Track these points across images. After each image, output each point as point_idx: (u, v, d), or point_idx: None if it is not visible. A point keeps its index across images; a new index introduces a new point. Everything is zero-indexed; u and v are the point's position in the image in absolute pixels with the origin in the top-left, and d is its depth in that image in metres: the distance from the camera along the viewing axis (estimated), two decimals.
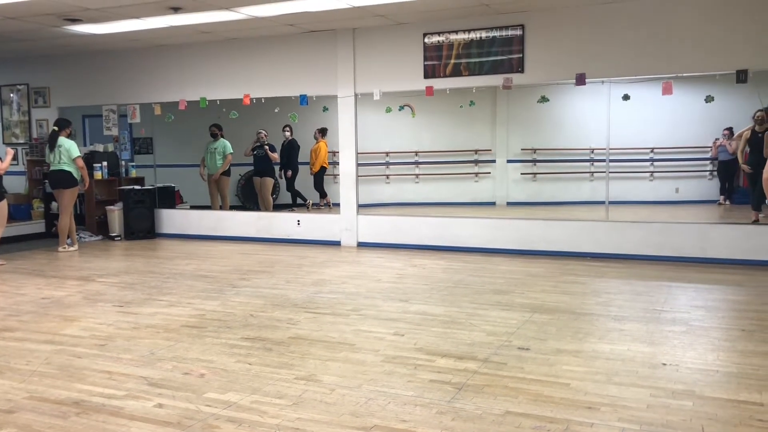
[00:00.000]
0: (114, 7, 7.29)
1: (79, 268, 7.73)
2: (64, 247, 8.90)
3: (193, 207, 11.06)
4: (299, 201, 11.79)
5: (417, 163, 13.06)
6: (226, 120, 10.34)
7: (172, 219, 10.35)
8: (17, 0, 6.95)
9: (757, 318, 4.95)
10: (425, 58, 8.37)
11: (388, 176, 13.01)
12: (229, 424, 3.15)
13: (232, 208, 11.27)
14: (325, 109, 10.37)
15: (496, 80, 8.08)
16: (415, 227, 8.77)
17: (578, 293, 5.92)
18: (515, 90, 8.59)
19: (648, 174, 12.52)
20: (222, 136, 10.80)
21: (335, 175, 11.46)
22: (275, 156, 11.18)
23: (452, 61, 8.22)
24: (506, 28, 7.93)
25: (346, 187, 9.09)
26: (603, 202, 8.37)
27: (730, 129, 11.26)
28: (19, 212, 10.59)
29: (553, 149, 12.67)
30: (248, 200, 12.40)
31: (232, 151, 10.76)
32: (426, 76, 8.39)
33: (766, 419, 3.11)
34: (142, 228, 10.10)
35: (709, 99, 8.10)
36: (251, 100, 9.41)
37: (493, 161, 12.86)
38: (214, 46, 9.58)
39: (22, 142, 11.19)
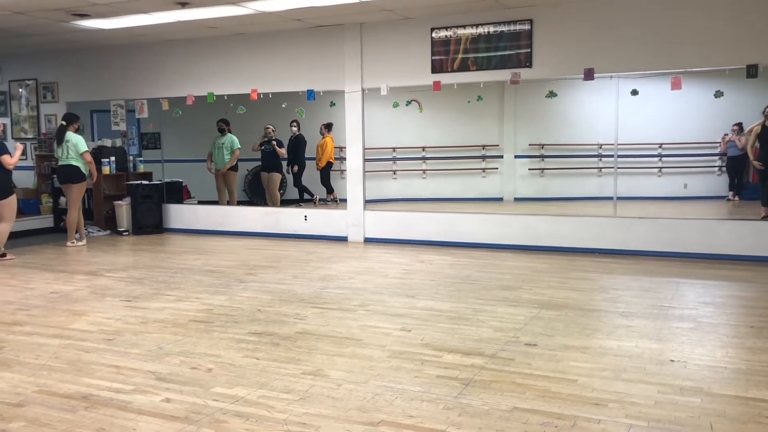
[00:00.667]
0: (122, 2, 7.30)
1: (88, 262, 7.76)
2: (73, 242, 8.93)
3: (200, 202, 11.08)
4: (306, 196, 11.80)
5: (424, 158, 13.03)
6: (234, 115, 10.33)
7: (179, 214, 10.38)
8: None
9: (766, 315, 4.92)
10: (433, 53, 8.35)
11: (395, 172, 13.00)
12: (237, 418, 3.16)
13: (240, 203, 11.28)
14: (333, 104, 10.36)
15: (503, 75, 8.05)
16: (422, 223, 8.76)
17: (586, 289, 5.90)
18: (523, 85, 8.55)
19: (656, 170, 12.46)
20: (229, 131, 10.81)
21: (342, 171, 11.46)
22: (282, 151, 11.19)
23: (460, 55, 8.20)
24: (514, 22, 7.90)
25: (353, 182, 9.08)
26: (611, 198, 8.33)
27: (739, 124, 11.20)
28: (27, 207, 10.65)
29: (561, 145, 12.62)
30: (255, 195, 12.41)
31: (239, 146, 10.78)
32: (433, 71, 8.36)
33: None
34: (149, 223, 10.13)
35: (718, 94, 8.05)
36: (258, 95, 9.41)
37: (501, 157, 12.83)
38: (222, 41, 9.58)
39: (30, 137, 11.23)
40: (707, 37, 7.12)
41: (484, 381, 3.59)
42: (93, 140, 11.08)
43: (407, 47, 8.48)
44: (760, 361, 3.86)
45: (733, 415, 3.12)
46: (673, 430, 2.95)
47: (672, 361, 3.89)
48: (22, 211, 10.07)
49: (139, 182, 10.16)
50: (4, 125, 11.31)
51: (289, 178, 11.80)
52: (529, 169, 12.80)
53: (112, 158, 10.25)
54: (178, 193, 10.78)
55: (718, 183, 12.13)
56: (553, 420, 3.08)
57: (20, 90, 11.29)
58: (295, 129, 11.35)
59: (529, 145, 12.73)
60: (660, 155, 12.41)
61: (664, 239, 7.48)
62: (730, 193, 11.68)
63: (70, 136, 8.75)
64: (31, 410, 3.32)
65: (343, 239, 9.15)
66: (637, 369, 3.75)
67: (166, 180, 10.63)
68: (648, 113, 11.34)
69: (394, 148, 12.87)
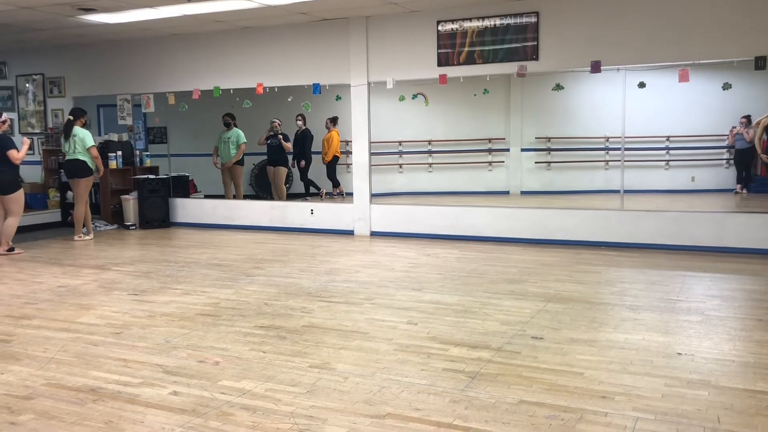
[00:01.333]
0: None
1: (95, 256, 7.79)
2: (80, 236, 8.97)
3: (207, 196, 11.11)
4: (312, 190, 11.80)
5: (430, 152, 13.01)
6: (240, 109, 10.35)
7: (186, 208, 10.40)
8: None
9: None
10: (439, 46, 8.32)
11: (401, 165, 12.98)
12: (244, 411, 3.17)
13: (246, 197, 11.29)
14: (338, 98, 10.34)
15: (510, 68, 8.02)
16: (429, 216, 8.75)
17: (593, 282, 5.89)
18: (529, 78, 8.52)
19: (664, 162, 12.40)
20: (235, 126, 10.82)
21: (348, 165, 11.45)
22: (288, 146, 11.19)
23: (466, 48, 8.17)
24: (520, 15, 7.86)
25: (359, 176, 9.08)
26: (618, 191, 8.30)
27: (747, 117, 11.13)
28: (35, 201, 10.69)
29: (567, 138, 12.58)
30: (262, 189, 12.42)
31: (245, 141, 10.78)
32: (439, 64, 8.34)
33: None
34: (156, 217, 10.16)
35: (726, 86, 8.00)
36: (264, 89, 9.41)
37: (507, 150, 12.79)
38: (228, 35, 9.58)
39: (37, 131, 11.28)
40: (715, 29, 7.07)
41: (490, 374, 3.59)
42: (100, 135, 11.10)
43: (413, 40, 8.46)
44: (767, 354, 3.84)
45: (741, 408, 3.11)
46: (681, 423, 2.95)
47: (679, 354, 3.88)
48: (30, 206, 10.11)
49: (145, 176, 10.19)
50: (11, 120, 11.35)
51: (295, 172, 11.80)
52: (536, 163, 12.77)
53: (119, 153, 10.27)
54: (184, 187, 10.80)
55: (726, 176, 12.07)
56: (559, 413, 3.07)
57: (27, 85, 11.32)
58: (300, 123, 11.35)
59: (536, 138, 12.69)
60: (667, 148, 12.35)
61: (672, 232, 7.45)
62: (738, 186, 11.62)
63: (78, 130, 8.77)
64: (40, 403, 3.34)
65: (349, 233, 9.15)
66: (644, 362, 3.74)
67: (173, 174, 10.65)
68: (655, 106, 11.28)
69: (400, 142, 12.85)
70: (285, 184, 11.39)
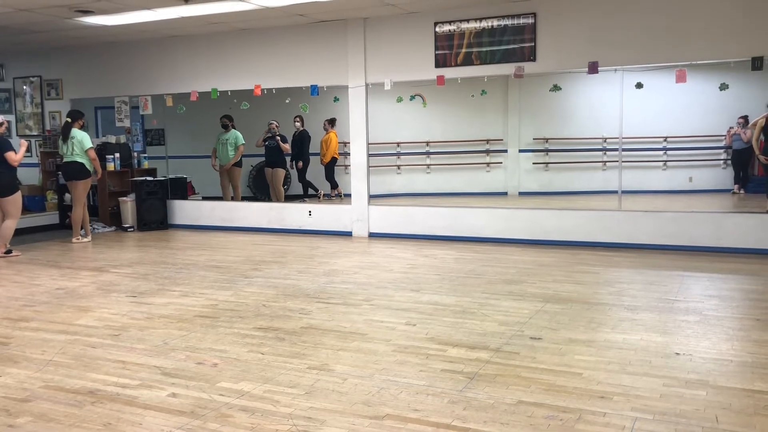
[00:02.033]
0: None
1: (93, 258, 7.78)
2: (78, 238, 8.96)
3: (205, 198, 11.10)
4: (311, 192, 11.80)
5: (428, 153, 13.02)
6: (238, 111, 10.35)
7: (184, 210, 10.40)
8: None
9: None
10: (436, 48, 8.33)
11: (399, 166, 12.99)
12: (242, 413, 3.17)
13: (244, 198, 11.28)
14: (336, 99, 10.34)
15: (507, 69, 8.03)
16: (427, 217, 8.76)
17: (591, 283, 5.90)
18: (527, 79, 8.53)
19: (661, 163, 12.42)
20: (233, 127, 10.82)
21: (346, 166, 11.45)
22: (287, 147, 11.18)
23: (463, 50, 8.18)
24: (518, 16, 7.87)
25: (357, 177, 9.08)
26: (616, 192, 8.31)
27: (745, 117, 11.15)
28: (33, 204, 10.68)
29: (565, 138, 12.59)
30: (260, 191, 12.42)
31: (243, 142, 10.78)
32: (437, 66, 8.35)
33: None
34: (154, 219, 10.15)
35: (723, 87, 8.01)
36: (262, 90, 9.41)
37: (505, 151, 12.80)
38: (225, 37, 9.58)
39: (35, 134, 11.26)
40: (712, 30, 7.09)
41: (489, 375, 3.60)
42: (97, 136, 11.11)
43: (411, 42, 8.46)
44: (765, 354, 3.85)
45: (739, 407, 3.12)
46: (679, 422, 2.95)
47: (677, 354, 3.88)
48: (28, 208, 10.11)
49: (143, 178, 10.19)
50: (9, 122, 11.34)
51: (293, 173, 11.79)
52: (534, 163, 12.78)
53: (117, 154, 10.27)
54: (182, 189, 10.79)
55: (724, 176, 12.09)
56: (558, 413, 3.08)
57: (24, 87, 11.31)
58: (298, 124, 11.35)
59: (534, 139, 12.70)
60: (665, 148, 12.37)
61: (669, 233, 7.46)
62: (736, 186, 11.63)
63: (76, 132, 8.77)
64: (38, 405, 3.33)
65: (347, 234, 9.15)
66: (643, 362, 3.75)
67: (171, 176, 10.65)
68: (653, 106, 11.30)
69: (398, 143, 12.86)
70: (283, 186, 11.39)
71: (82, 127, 8.96)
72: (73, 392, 3.49)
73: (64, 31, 9.26)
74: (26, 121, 11.38)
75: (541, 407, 3.15)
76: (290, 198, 11.49)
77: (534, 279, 6.07)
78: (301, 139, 11.44)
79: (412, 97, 11.46)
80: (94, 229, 9.80)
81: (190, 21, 8.66)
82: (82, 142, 8.75)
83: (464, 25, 8.14)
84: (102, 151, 9.98)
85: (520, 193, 12.60)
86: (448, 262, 7.06)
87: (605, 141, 12.12)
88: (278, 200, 11.01)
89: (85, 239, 9.06)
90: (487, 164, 12.89)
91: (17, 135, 11.26)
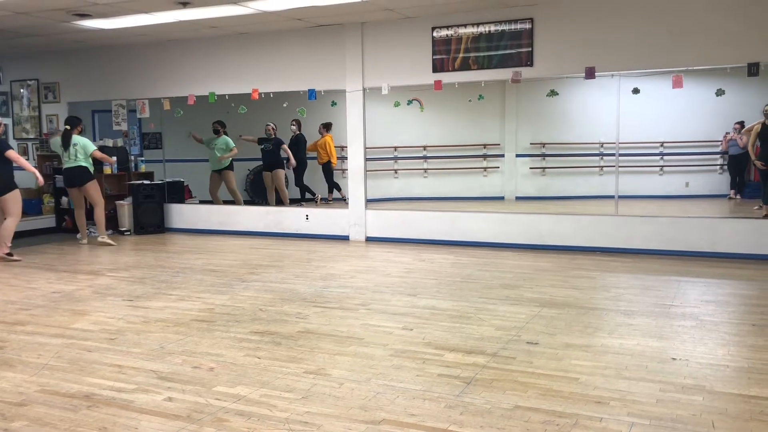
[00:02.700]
0: (123, 2, 7.30)
1: (89, 262, 7.77)
2: (104, 237, 8.99)
3: (202, 202, 11.09)
4: (308, 195, 11.79)
5: (425, 157, 13.03)
6: (235, 115, 10.34)
7: (181, 214, 10.39)
8: None
9: None
10: (434, 52, 8.35)
11: (396, 171, 13.00)
12: (239, 417, 3.16)
13: (226, 203, 11.12)
14: (334, 103, 10.35)
15: (505, 74, 8.05)
16: (424, 222, 8.76)
17: (587, 288, 5.90)
18: (524, 84, 8.54)
19: (658, 168, 12.45)
20: (225, 134, 10.76)
21: (344, 170, 11.45)
22: (287, 149, 11.14)
23: (461, 54, 8.20)
24: (515, 21, 7.89)
25: (354, 181, 9.09)
26: (612, 197, 8.33)
27: (741, 123, 11.18)
28: (30, 207, 10.64)
29: (562, 143, 12.62)
30: (257, 195, 12.41)
31: (234, 146, 10.77)
32: (434, 70, 8.37)
33: None
34: (151, 222, 10.14)
35: (719, 92, 8.05)
36: (260, 94, 9.41)
37: (502, 156, 12.82)
38: (223, 41, 9.59)
39: (32, 137, 11.25)
40: (708, 36, 7.12)
41: (485, 380, 3.60)
42: (95, 140, 11.07)
43: (408, 46, 8.48)
44: (761, 359, 3.85)
45: (735, 413, 3.12)
46: (675, 428, 2.95)
47: (674, 359, 3.89)
48: (25, 211, 10.05)
49: (140, 182, 10.17)
50: (6, 126, 11.33)
51: (290, 176, 11.76)
52: (531, 168, 12.80)
53: (114, 158, 10.25)
54: (179, 192, 10.78)
55: (720, 181, 12.13)
56: (554, 418, 3.08)
57: (22, 90, 11.30)
58: (294, 128, 11.34)
59: (531, 143, 12.73)
60: (661, 154, 12.40)
61: (666, 237, 7.48)
62: (732, 191, 11.66)
63: (77, 139, 8.80)
64: (33, 409, 3.32)
65: (344, 238, 9.15)
66: (639, 367, 3.75)
67: (168, 180, 10.63)
68: (649, 112, 11.33)
69: (395, 147, 12.87)
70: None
71: (80, 133, 8.98)
72: (69, 396, 3.49)
73: (61, 35, 9.26)
74: (23, 124, 11.36)
75: (538, 412, 3.15)
76: (291, 202, 11.47)
77: (531, 283, 6.07)
78: (297, 143, 11.43)
79: (410, 102, 11.48)
80: (90, 232, 9.78)
81: (188, 25, 8.66)
82: (85, 147, 8.78)
83: (462, 30, 8.16)
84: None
85: (517, 198, 12.62)
86: (445, 266, 7.06)
87: (602, 146, 12.15)
88: (283, 201, 10.99)
89: (83, 242, 9.05)
90: (484, 169, 12.91)
91: (14, 138, 11.24)
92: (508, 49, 7.96)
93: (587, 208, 10.45)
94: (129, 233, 10.07)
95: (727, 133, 11.60)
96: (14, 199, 7.88)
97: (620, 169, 8.53)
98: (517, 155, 12.78)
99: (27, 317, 5.20)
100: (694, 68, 7.35)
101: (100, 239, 8.99)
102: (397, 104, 10.63)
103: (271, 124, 11.03)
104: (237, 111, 10.02)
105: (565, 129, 12.57)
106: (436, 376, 3.67)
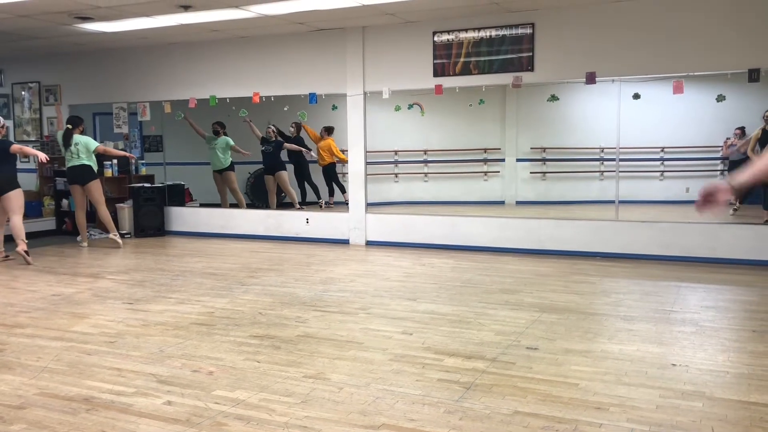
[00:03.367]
0: (124, 5, 7.32)
1: (89, 265, 7.77)
2: (115, 234, 9.01)
3: (202, 205, 11.09)
4: (309, 197, 11.75)
5: (426, 161, 13.04)
6: (236, 118, 10.36)
7: (181, 217, 10.39)
8: None
9: None
10: (435, 57, 8.36)
11: (396, 175, 13.00)
12: (238, 421, 3.16)
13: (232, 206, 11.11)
14: (335, 107, 10.36)
15: (505, 79, 8.06)
16: (424, 226, 8.76)
17: (587, 293, 5.90)
18: (525, 88, 8.56)
19: (658, 173, 12.45)
20: (224, 134, 10.79)
21: (344, 173, 11.44)
22: (293, 146, 11.11)
23: (462, 59, 8.21)
24: (516, 26, 7.91)
25: (354, 185, 9.09)
26: (613, 202, 8.33)
27: (741, 128, 11.18)
28: (30, 209, 10.61)
29: (562, 148, 12.62)
30: (258, 198, 12.40)
31: (233, 143, 10.80)
32: (435, 75, 8.38)
33: None
34: (151, 225, 10.14)
35: (720, 98, 8.04)
36: (261, 98, 9.42)
37: (503, 160, 12.83)
38: (224, 45, 9.60)
39: (33, 139, 11.25)
40: (709, 41, 7.12)
41: (485, 385, 3.59)
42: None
43: (409, 51, 8.49)
44: (761, 366, 3.85)
45: (735, 419, 3.12)
46: None
47: (674, 365, 3.88)
48: (25, 214, 10.06)
49: (141, 185, 10.18)
50: (7, 128, 11.34)
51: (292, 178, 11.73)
52: (531, 173, 12.80)
53: (115, 161, 10.27)
54: (180, 195, 10.78)
55: None
56: (554, 424, 3.07)
57: (23, 93, 11.31)
58: (292, 130, 11.32)
59: (531, 148, 12.73)
60: (662, 159, 12.40)
61: (666, 243, 7.48)
62: (732, 197, 11.64)
63: (78, 138, 8.83)
64: (32, 412, 3.32)
65: (344, 242, 9.15)
66: (639, 373, 3.75)
67: (168, 183, 10.64)
68: (650, 117, 11.34)
69: (396, 152, 12.87)
70: (281, 192, 11.34)
71: (82, 133, 9.00)
72: (68, 399, 3.48)
73: (63, 38, 9.28)
74: (24, 126, 11.38)
75: (538, 418, 3.14)
76: (288, 205, 11.48)
77: (531, 288, 6.07)
78: (297, 144, 11.42)
79: (411, 106, 11.48)
80: (90, 235, 9.78)
81: (190, 28, 8.68)
82: (87, 144, 8.81)
83: (463, 35, 8.17)
84: (100, 157, 9.96)
85: (518, 203, 12.62)
86: (445, 270, 7.06)
87: (602, 151, 12.15)
88: (292, 201, 10.96)
89: (83, 245, 9.05)
90: (485, 173, 12.91)
91: (15, 140, 11.24)
92: (509, 54, 7.97)
93: (587, 213, 10.45)
94: (129, 236, 10.07)
95: (727, 139, 11.60)
96: (17, 197, 7.87)
97: (620, 174, 8.54)
98: (518, 160, 12.78)
99: (26, 320, 5.20)
100: (695, 74, 7.36)
101: (111, 236, 9.00)
102: (397, 108, 10.65)
103: (272, 127, 11.03)
104: (238, 114, 10.03)
105: (566, 134, 12.57)
106: (435, 380, 3.67)
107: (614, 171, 8.63)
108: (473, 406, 3.30)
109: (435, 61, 8.36)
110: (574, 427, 3.04)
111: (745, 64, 6.99)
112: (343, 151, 11.29)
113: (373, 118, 9.20)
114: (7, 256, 7.97)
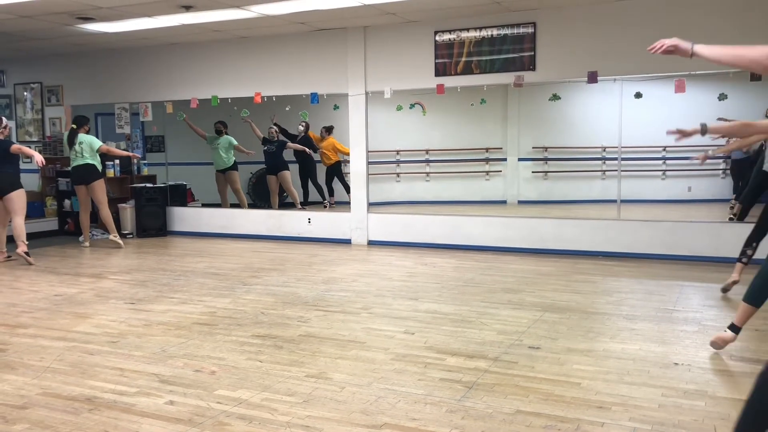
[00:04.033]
0: (126, 5, 7.33)
1: (92, 265, 7.78)
2: (115, 235, 8.99)
3: (204, 205, 11.10)
4: (313, 198, 11.73)
5: (428, 161, 13.03)
6: (237, 118, 10.36)
7: (183, 217, 10.40)
8: None
9: None
10: (436, 56, 8.35)
11: (398, 174, 13.00)
12: (240, 421, 3.16)
13: (233, 206, 11.08)
14: (336, 107, 10.35)
15: (507, 78, 8.06)
16: (426, 226, 8.76)
17: (589, 292, 5.89)
18: (526, 88, 8.55)
19: (660, 172, 12.43)
20: (226, 134, 10.81)
21: (346, 174, 11.44)
22: (296, 146, 11.10)
23: (463, 59, 8.21)
24: (518, 25, 7.90)
25: (356, 185, 9.09)
26: (615, 201, 8.32)
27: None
28: (32, 210, 10.62)
29: (564, 147, 12.61)
30: (260, 199, 12.39)
31: (236, 143, 10.80)
32: (437, 74, 8.37)
33: None
34: (153, 226, 10.15)
35: (722, 97, 8.03)
36: (262, 98, 9.43)
37: (504, 159, 12.82)
38: (226, 45, 9.61)
39: (35, 140, 11.27)
40: (711, 40, 7.07)
41: (487, 384, 3.59)
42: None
43: (411, 50, 8.49)
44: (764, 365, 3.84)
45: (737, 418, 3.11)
46: None
47: (676, 364, 3.88)
48: (27, 214, 10.08)
49: (143, 185, 10.19)
50: (10, 128, 11.34)
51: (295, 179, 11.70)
52: (533, 172, 12.79)
53: (117, 161, 10.28)
54: (182, 196, 10.79)
55: (722, 186, 12.09)
56: (556, 423, 3.07)
57: (25, 93, 11.33)
58: (301, 128, 11.26)
59: (533, 147, 12.72)
60: (664, 158, 12.38)
61: (668, 242, 7.47)
62: (734, 196, 11.63)
63: (83, 137, 8.84)
64: (35, 412, 3.33)
65: (346, 242, 9.15)
66: (641, 372, 3.74)
67: (170, 183, 10.65)
68: (652, 116, 11.31)
69: (397, 151, 12.87)
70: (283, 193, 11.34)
71: (87, 133, 9.01)
72: (71, 399, 3.49)
73: (65, 38, 9.29)
74: (26, 127, 11.39)
75: (540, 417, 3.14)
76: (287, 205, 11.48)
77: (533, 288, 6.07)
78: (305, 143, 11.39)
79: (412, 106, 11.48)
80: (93, 235, 9.79)
81: (191, 28, 8.68)
82: (91, 144, 8.82)
83: (464, 34, 8.17)
84: (102, 157, 9.97)
85: (519, 202, 12.61)
86: (447, 270, 7.05)
87: (604, 150, 12.13)
88: (294, 201, 10.95)
89: (85, 244, 9.07)
90: (487, 173, 12.91)
91: (17, 140, 11.25)
92: (511, 53, 7.96)
93: (589, 212, 10.44)
94: (131, 236, 10.08)
95: (729, 139, 11.57)
96: (19, 197, 7.84)
97: (622, 173, 8.53)
98: (520, 159, 12.78)
99: (29, 320, 5.20)
100: (697, 73, 7.35)
101: (111, 237, 9.00)
102: (399, 108, 10.65)
103: (274, 127, 11.03)
104: (240, 114, 10.03)
105: (568, 133, 12.55)
106: (437, 380, 3.67)
107: (616, 170, 8.62)
108: (475, 405, 3.30)
109: (436, 61, 8.36)
110: (576, 426, 3.03)
111: None
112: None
113: (374, 117, 9.20)
114: (9, 257, 7.98)
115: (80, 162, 8.81)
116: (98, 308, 5.55)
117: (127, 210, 10.12)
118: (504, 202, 12.66)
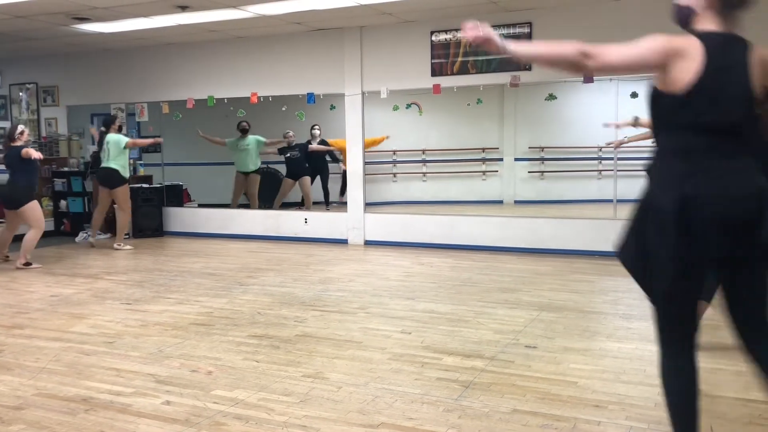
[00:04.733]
0: (122, 5, 7.31)
1: (88, 265, 7.76)
2: (120, 244, 8.93)
3: (201, 205, 11.08)
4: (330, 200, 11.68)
5: (424, 161, 13.03)
6: (233, 118, 10.34)
7: (180, 217, 10.38)
8: None
9: None
10: (432, 56, 8.36)
11: (395, 174, 13.00)
12: (237, 421, 3.16)
13: (241, 206, 11.04)
14: (333, 107, 10.35)
15: (503, 78, 8.06)
16: (423, 225, 8.76)
17: (586, 291, 5.90)
18: (523, 88, 8.56)
19: None
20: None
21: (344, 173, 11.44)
22: (322, 147, 11.00)
23: (459, 58, 8.21)
24: (514, 25, 7.91)
25: (353, 185, 9.09)
26: (611, 200, 8.34)
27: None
28: None
29: (561, 147, 12.61)
30: (262, 200, 12.33)
31: (264, 140, 10.67)
32: (433, 74, 8.38)
33: None
34: (150, 226, 10.13)
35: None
36: (258, 98, 9.42)
37: (501, 159, 12.82)
38: (222, 45, 9.60)
39: (31, 140, 11.23)
40: None
41: (483, 383, 3.59)
42: (93, 144, 11.08)
43: (407, 50, 8.49)
44: None
45: (734, 417, 3.12)
46: None
47: None
48: None
49: (139, 185, 10.16)
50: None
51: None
52: (529, 172, 12.79)
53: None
54: (178, 196, 10.77)
55: None
56: (553, 422, 3.07)
57: (20, 94, 11.30)
58: (317, 132, 11.16)
59: (529, 147, 12.72)
60: None
61: None
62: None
63: (110, 137, 8.82)
64: (31, 413, 3.32)
65: (343, 242, 9.15)
66: (638, 371, 3.75)
67: (167, 183, 10.63)
68: (648, 115, 11.33)
69: (394, 151, 12.86)
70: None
71: (119, 130, 9.01)
72: (67, 400, 3.48)
73: (60, 38, 9.27)
74: None
75: (536, 416, 3.15)
76: (287, 205, 11.47)
77: (529, 287, 6.07)
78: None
79: (409, 106, 11.49)
80: (88, 236, 9.76)
81: (187, 29, 8.67)
82: (117, 143, 8.76)
83: (460, 34, 8.17)
84: (98, 157, 9.94)
85: (516, 202, 12.61)
86: (443, 270, 7.06)
87: (600, 150, 12.15)
88: (308, 207, 10.88)
89: (126, 247, 8.93)
90: (483, 173, 12.91)
91: None
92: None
93: (586, 212, 10.44)
94: (127, 237, 10.05)
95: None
96: (32, 210, 7.47)
97: (619, 173, 8.54)
98: (516, 159, 12.78)
99: (25, 320, 5.19)
100: None
101: (116, 246, 8.93)
102: (395, 108, 10.65)
103: (291, 132, 10.89)
104: (236, 114, 10.02)
105: (564, 133, 12.56)
106: (434, 379, 3.67)
107: (612, 170, 8.63)
108: (472, 404, 3.30)
109: (433, 61, 8.36)
110: (573, 425, 3.04)
111: None
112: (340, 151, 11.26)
113: (371, 117, 9.20)
114: (7, 257, 7.94)
115: (104, 165, 8.79)
116: (95, 309, 5.54)
117: None
118: (500, 201, 12.66)
